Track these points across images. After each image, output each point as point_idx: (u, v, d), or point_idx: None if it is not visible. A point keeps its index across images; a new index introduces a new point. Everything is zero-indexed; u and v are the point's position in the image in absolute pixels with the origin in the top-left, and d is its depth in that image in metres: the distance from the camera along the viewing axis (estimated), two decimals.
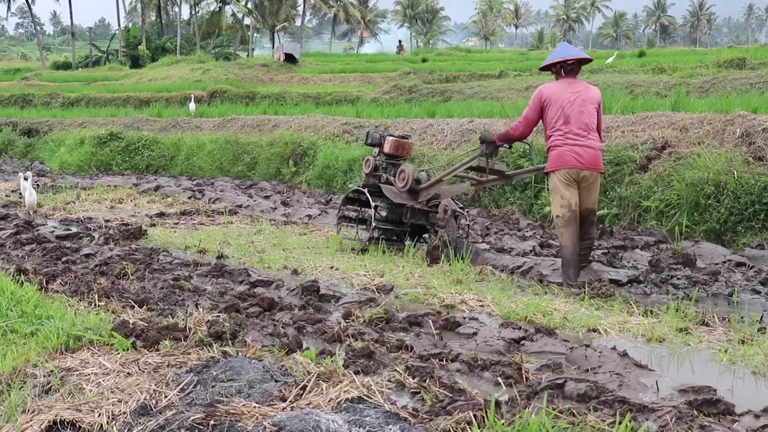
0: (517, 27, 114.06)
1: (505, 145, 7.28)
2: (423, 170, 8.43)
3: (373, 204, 7.99)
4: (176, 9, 66.67)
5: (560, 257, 6.54)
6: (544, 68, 6.82)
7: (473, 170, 7.51)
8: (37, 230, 8.95)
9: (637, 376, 3.78)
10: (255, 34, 70.12)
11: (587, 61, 6.76)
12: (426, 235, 8.23)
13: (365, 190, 8.09)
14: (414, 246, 7.94)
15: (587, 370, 3.87)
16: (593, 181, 6.41)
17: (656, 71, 24.12)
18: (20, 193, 11.89)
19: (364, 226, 8.51)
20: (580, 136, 6.32)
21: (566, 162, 6.30)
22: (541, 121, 6.63)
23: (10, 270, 6.14)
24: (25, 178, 10.48)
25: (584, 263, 6.47)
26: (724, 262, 7.03)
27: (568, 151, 6.30)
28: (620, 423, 2.75)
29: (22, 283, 5.57)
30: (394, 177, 8.11)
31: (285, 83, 33.88)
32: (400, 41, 56.74)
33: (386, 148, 8.30)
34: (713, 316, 5.02)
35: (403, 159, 8.48)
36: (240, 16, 63.66)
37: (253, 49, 65.83)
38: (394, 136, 8.35)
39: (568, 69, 6.59)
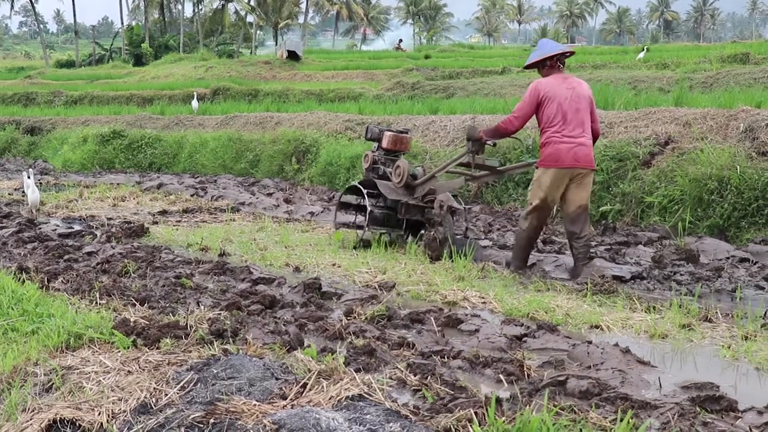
0: (520, 23, 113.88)
1: (489, 143, 7.17)
2: (419, 166, 8.45)
3: (368, 203, 7.90)
4: (179, 7, 66.74)
5: (515, 240, 6.67)
6: (529, 66, 6.82)
7: (463, 166, 7.54)
8: (40, 228, 8.95)
9: (639, 372, 3.76)
10: (258, 32, 70.10)
11: (572, 53, 6.84)
12: (422, 231, 8.16)
13: (361, 187, 8.04)
14: (415, 242, 7.90)
15: (589, 367, 3.85)
16: (586, 179, 6.45)
17: (659, 67, 24.07)
18: (23, 192, 11.90)
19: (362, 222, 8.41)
20: (577, 136, 6.35)
21: (562, 161, 6.33)
22: (536, 116, 6.61)
23: (11, 268, 6.14)
24: (29, 176, 10.47)
25: (585, 260, 6.48)
26: (728, 258, 7.01)
27: (565, 151, 6.32)
28: (622, 420, 2.74)
29: (24, 281, 5.57)
30: (392, 172, 8.09)
31: (288, 80, 33.89)
32: (400, 39, 56.78)
33: (385, 143, 8.29)
34: (716, 312, 5.00)
35: (402, 154, 8.46)
36: (243, 13, 63.63)
37: (256, 47, 65.82)
38: (392, 131, 8.35)
39: (557, 64, 6.59)
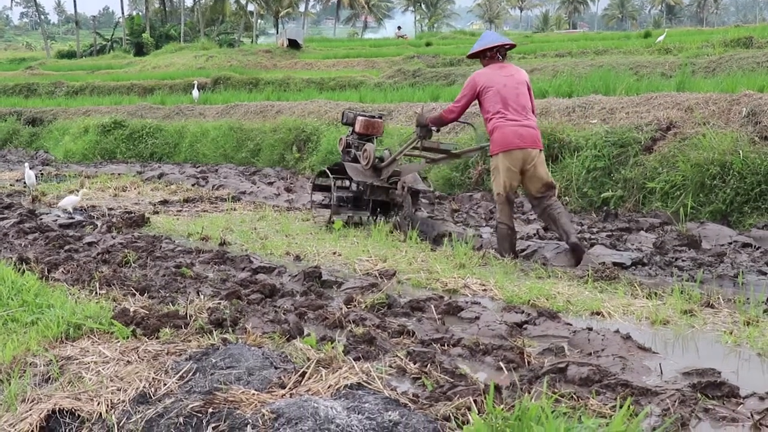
0: (522, 9, 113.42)
1: (434, 129, 7.63)
2: (386, 149, 8.81)
3: (333, 184, 8.56)
4: None
5: (497, 233, 6.90)
6: (472, 56, 7.18)
7: (417, 149, 7.94)
8: (41, 219, 8.95)
9: (640, 359, 3.74)
10: (259, 21, 69.95)
11: (513, 46, 7.26)
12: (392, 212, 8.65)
13: (327, 170, 8.68)
14: (378, 220, 8.49)
15: (590, 354, 3.83)
16: (538, 159, 6.71)
17: (662, 52, 23.98)
18: (24, 183, 11.96)
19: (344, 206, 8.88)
20: (520, 119, 6.68)
21: (509, 143, 6.62)
22: (478, 106, 6.99)
23: (12, 259, 6.13)
24: (31, 167, 10.63)
25: (569, 237, 6.57)
26: (730, 243, 6.98)
27: (510, 133, 6.63)
28: (621, 407, 2.72)
29: (24, 272, 5.56)
30: (360, 155, 8.56)
31: (289, 69, 33.85)
32: (398, 27, 56.69)
33: (357, 128, 8.73)
34: (718, 298, 4.97)
35: (375, 138, 8.90)
36: (244, 2, 63.54)
37: (257, 36, 65.69)
38: (365, 116, 8.78)
39: (497, 55, 6.97)
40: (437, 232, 7.52)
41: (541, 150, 6.79)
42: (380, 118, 8.94)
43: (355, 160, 8.65)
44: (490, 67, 6.92)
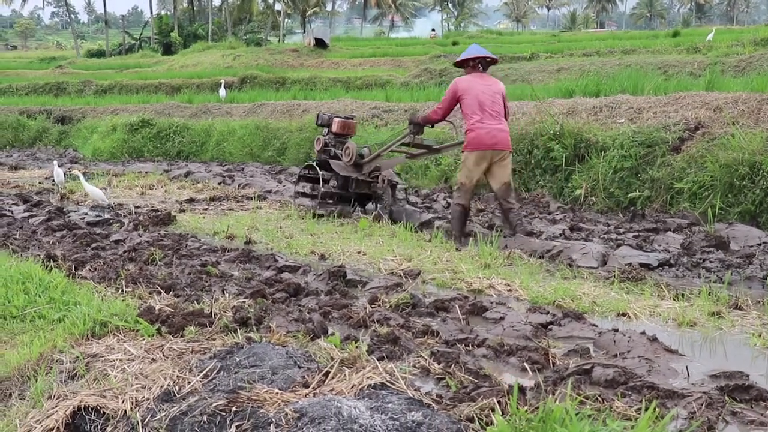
0: (549, 8, 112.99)
1: (428, 126, 8.72)
2: (365, 147, 9.65)
3: (321, 177, 9.34)
4: None
5: (451, 213, 8.00)
6: (457, 64, 8.18)
7: (405, 146, 8.81)
8: (69, 217, 9.03)
9: (667, 361, 3.70)
10: (286, 20, 70.16)
11: (495, 62, 8.15)
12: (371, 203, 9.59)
13: (315, 165, 9.48)
14: (364, 211, 9.45)
15: (616, 356, 3.80)
16: (506, 159, 7.64)
17: (690, 51, 23.76)
18: (53, 181, 12.10)
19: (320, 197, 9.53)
20: (493, 121, 7.54)
21: (482, 144, 7.53)
22: (460, 108, 7.79)
23: (40, 256, 6.19)
24: (59, 165, 10.78)
25: (520, 224, 7.54)
26: (759, 245, 6.88)
27: (484, 135, 7.51)
28: (647, 409, 2.69)
29: (51, 269, 5.61)
30: (342, 153, 9.34)
31: (315, 68, 33.95)
32: (432, 29, 56.65)
33: (334, 128, 9.61)
34: (747, 300, 4.91)
35: (349, 137, 9.69)
36: (271, 1, 63.78)
37: (284, 35, 65.91)
38: (340, 118, 9.66)
39: (479, 65, 7.88)
40: (420, 221, 8.30)
41: (510, 152, 7.73)
42: (353, 119, 9.87)
43: (335, 157, 9.45)
44: (472, 75, 7.82)
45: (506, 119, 7.77)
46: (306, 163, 10.10)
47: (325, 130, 9.80)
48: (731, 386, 3.23)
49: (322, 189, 9.30)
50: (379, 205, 9.18)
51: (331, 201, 9.41)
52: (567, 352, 3.89)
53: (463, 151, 7.82)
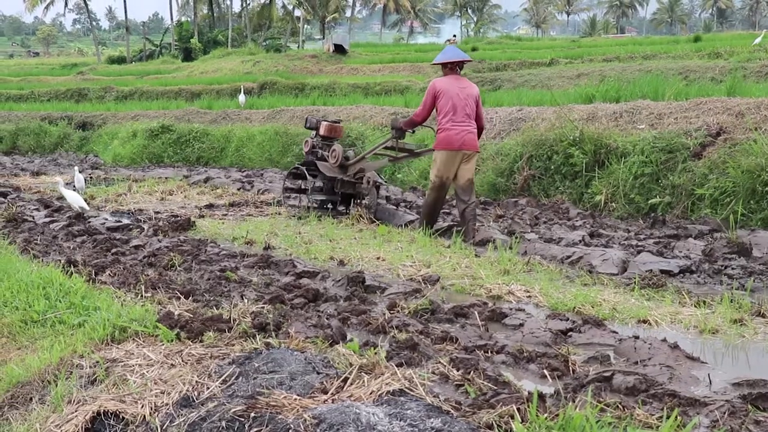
0: (569, 14, 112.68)
1: (410, 130, 8.96)
2: (351, 149, 10.35)
3: (309, 178, 9.84)
4: (227, 2, 67.38)
5: (423, 209, 8.49)
6: (435, 64, 8.57)
7: (389, 149, 9.27)
8: (89, 222, 9.08)
9: (688, 368, 3.67)
10: (305, 26, 70.40)
11: (468, 61, 8.91)
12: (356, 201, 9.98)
13: (303, 168, 9.97)
14: (347, 211, 9.94)
15: (636, 363, 3.77)
16: (472, 159, 8.17)
17: (712, 56, 23.61)
18: (74, 186, 12.15)
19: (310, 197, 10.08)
20: (463, 123, 8.03)
21: (452, 144, 8.03)
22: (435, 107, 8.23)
23: (60, 261, 6.22)
24: (80, 171, 10.88)
25: (474, 222, 8.02)
26: None
27: (454, 135, 8.00)
28: (668, 417, 2.66)
29: (72, 274, 5.64)
30: (328, 155, 9.83)
31: (334, 74, 34.00)
32: (453, 35, 56.65)
33: (322, 131, 10.13)
34: None
35: (336, 140, 10.23)
36: (290, 8, 64.02)
37: (303, 41, 66.11)
38: (328, 121, 10.23)
39: (456, 68, 8.35)
40: (403, 220, 8.87)
41: (477, 152, 8.30)
42: (340, 123, 10.45)
43: (321, 159, 9.97)
44: (449, 77, 8.30)
45: (479, 122, 8.27)
46: (293, 165, 10.66)
47: (314, 132, 10.28)
48: (754, 394, 3.20)
49: (310, 186, 9.85)
50: (362, 203, 9.60)
51: (318, 199, 9.94)
52: (587, 359, 3.86)
53: (434, 150, 8.31)
